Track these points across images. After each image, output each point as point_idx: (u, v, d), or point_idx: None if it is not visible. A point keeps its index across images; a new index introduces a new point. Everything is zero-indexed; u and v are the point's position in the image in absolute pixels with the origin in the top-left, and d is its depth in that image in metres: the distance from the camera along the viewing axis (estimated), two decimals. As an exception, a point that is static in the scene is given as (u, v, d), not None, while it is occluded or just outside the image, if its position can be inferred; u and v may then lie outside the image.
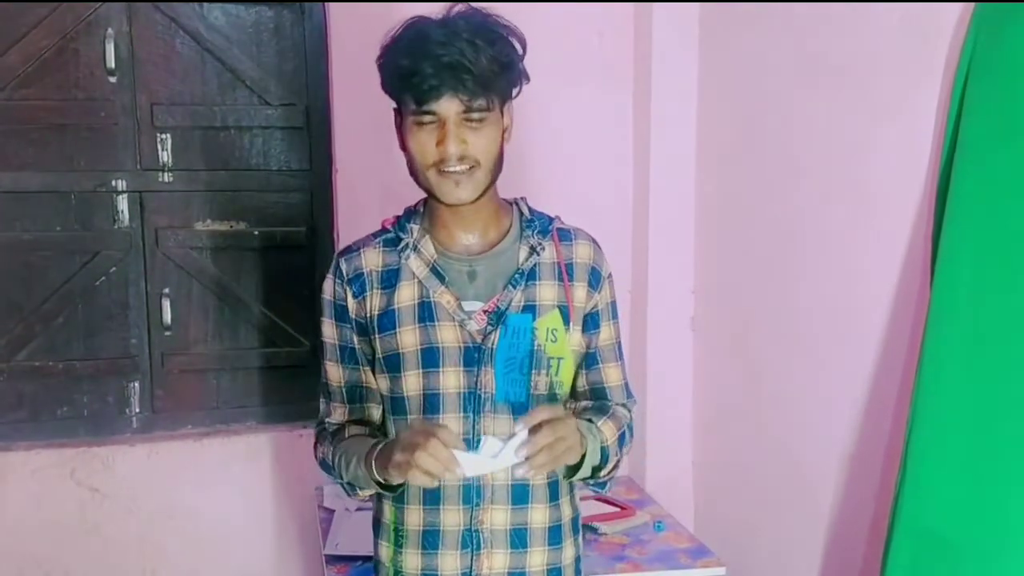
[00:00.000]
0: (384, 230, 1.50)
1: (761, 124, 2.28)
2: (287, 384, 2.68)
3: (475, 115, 1.33)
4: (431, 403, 1.43)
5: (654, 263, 2.61)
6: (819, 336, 2.07)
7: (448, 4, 1.38)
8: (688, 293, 2.64)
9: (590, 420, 1.42)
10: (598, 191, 2.67)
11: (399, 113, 1.40)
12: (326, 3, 2.52)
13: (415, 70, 1.31)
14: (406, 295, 1.43)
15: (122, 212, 2.52)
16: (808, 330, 2.11)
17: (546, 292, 1.45)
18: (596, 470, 1.42)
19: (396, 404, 1.46)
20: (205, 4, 2.50)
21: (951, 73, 1.63)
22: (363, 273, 1.46)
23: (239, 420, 2.66)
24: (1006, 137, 1.50)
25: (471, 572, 1.44)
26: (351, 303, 1.46)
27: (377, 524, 1.53)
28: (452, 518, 1.44)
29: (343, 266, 1.47)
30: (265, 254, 2.63)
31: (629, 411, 1.55)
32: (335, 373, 1.50)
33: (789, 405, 2.20)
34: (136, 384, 2.58)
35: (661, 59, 2.57)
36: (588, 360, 1.51)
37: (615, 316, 1.53)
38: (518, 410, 1.41)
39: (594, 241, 1.52)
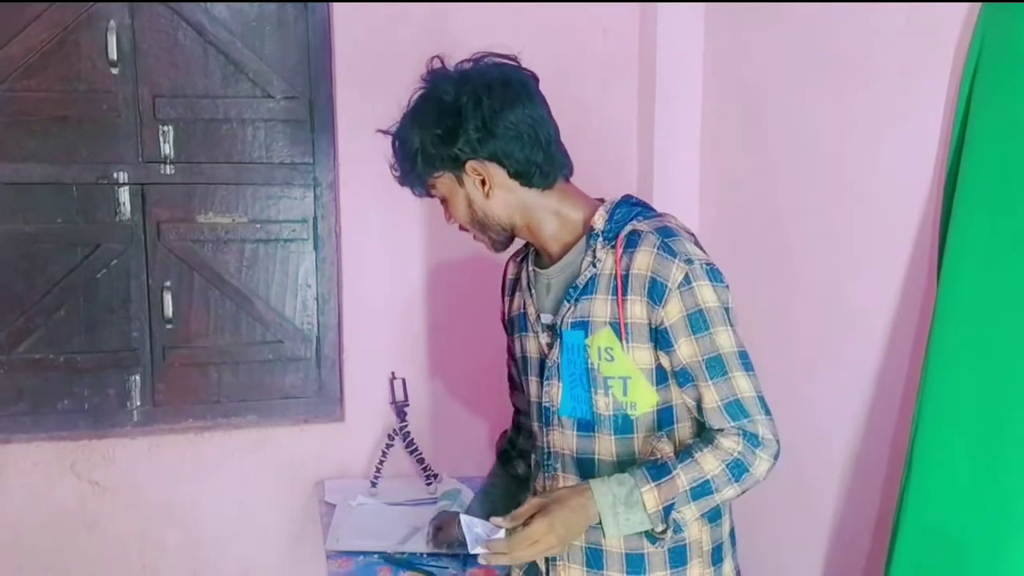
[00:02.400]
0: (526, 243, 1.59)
1: (766, 123, 2.27)
2: (288, 378, 2.68)
3: (433, 196, 1.49)
4: (532, 408, 1.53)
5: (657, 260, 2.60)
6: (823, 334, 2.06)
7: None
8: (691, 290, 2.63)
9: (634, 479, 1.32)
10: (600, 190, 2.65)
11: None
12: (331, 4, 2.51)
13: None
14: (516, 304, 1.56)
15: (124, 204, 2.51)
16: (812, 328, 2.11)
17: (599, 308, 1.38)
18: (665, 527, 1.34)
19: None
20: (209, -2, 2.49)
21: (958, 72, 1.62)
22: (506, 278, 1.65)
23: (240, 414, 2.65)
24: (1013, 136, 1.49)
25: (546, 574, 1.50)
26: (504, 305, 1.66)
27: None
28: None
29: (506, 271, 1.67)
30: (267, 247, 2.62)
31: (737, 437, 1.36)
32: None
33: (792, 403, 2.19)
34: (137, 377, 2.57)
35: (666, 56, 2.56)
36: (681, 379, 1.39)
37: (701, 329, 1.35)
38: (583, 427, 1.43)
39: (664, 246, 1.35)
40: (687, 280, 1.34)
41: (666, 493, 1.32)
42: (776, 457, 1.39)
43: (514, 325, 1.55)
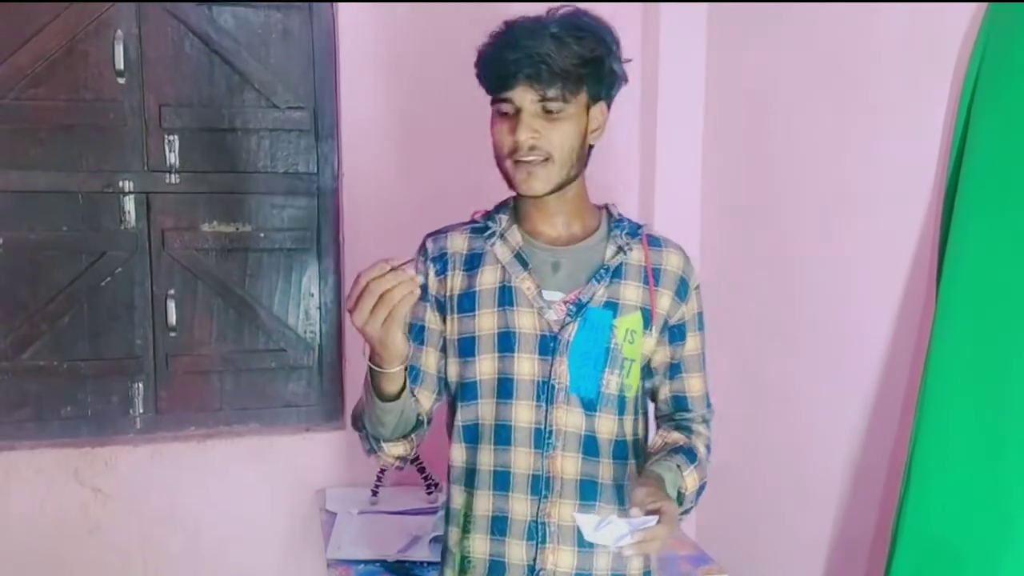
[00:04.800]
0: (473, 221, 1.52)
1: (768, 129, 2.29)
2: (291, 386, 2.69)
3: (551, 106, 1.35)
4: (504, 388, 1.44)
5: (659, 270, 2.61)
6: (824, 342, 2.07)
7: (550, 4, 1.41)
8: (692, 300, 2.64)
9: (678, 466, 1.41)
10: (603, 195, 2.67)
11: (492, 104, 1.43)
12: (335, 4, 2.53)
13: (496, 57, 1.35)
14: (488, 279, 1.45)
15: (129, 213, 2.52)
16: (813, 336, 2.11)
17: (630, 292, 1.45)
18: None
19: (467, 390, 1.46)
20: (215, 6, 2.51)
21: (959, 80, 1.63)
22: (447, 253, 1.49)
23: (242, 422, 2.66)
24: (1014, 145, 1.50)
25: (535, 564, 1.44)
26: (432, 280, 1.48)
27: (447, 511, 1.53)
28: (520, 507, 1.44)
29: (429, 245, 1.51)
30: (271, 256, 2.64)
31: (708, 424, 1.56)
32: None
33: (792, 411, 2.20)
34: (140, 385, 2.58)
35: (668, 63, 2.58)
36: (672, 370, 1.53)
37: (701, 327, 1.54)
38: (587, 406, 1.43)
39: (683, 251, 1.53)
40: (698, 286, 1.53)
41: (701, 473, 1.46)
42: None
43: (482, 301, 1.44)
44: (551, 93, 1.33)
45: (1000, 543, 1.51)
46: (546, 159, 1.37)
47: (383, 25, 2.52)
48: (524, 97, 1.34)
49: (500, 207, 1.53)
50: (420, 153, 2.58)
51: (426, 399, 1.49)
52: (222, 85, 2.55)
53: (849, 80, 1.97)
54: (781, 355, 2.24)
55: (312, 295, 2.68)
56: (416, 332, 1.49)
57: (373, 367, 1.28)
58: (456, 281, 1.47)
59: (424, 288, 1.45)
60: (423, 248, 1.52)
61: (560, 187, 1.41)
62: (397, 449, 1.44)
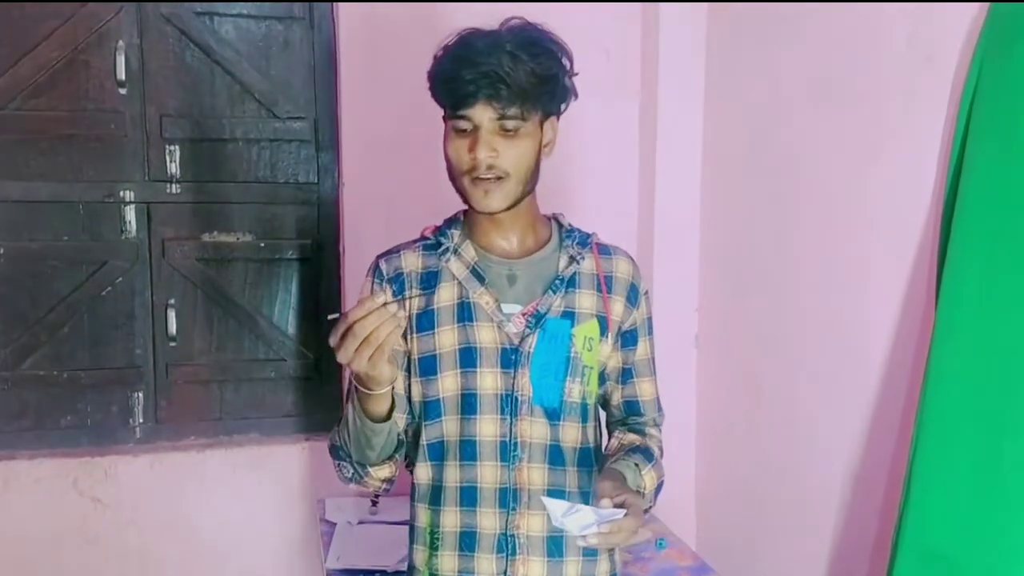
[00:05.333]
0: (423, 237, 1.52)
1: (767, 143, 2.29)
2: (291, 396, 2.69)
3: (509, 124, 1.35)
4: (468, 403, 1.43)
5: (658, 280, 2.62)
6: (823, 355, 2.07)
7: (505, 18, 1.40)
8: (692, 311, 2.65)
9: (636, 465, 1.44)
10: (602, 208, 2.68)
11: (446, 121, 1.43)
12: (335, 13, 2.53)
13: (454, 75, 1.34)
14: (446, 296, 1.45)
15: (129, 223, 2.53)
16: (812, 349, 2.11)
17: (585, 301, 1.47)
18: None
19: (431, 408, 1.45)
20: (216, 18, 2.52)
21: (958, 93, 1.64)
22: (403, 273, 1.48)
23: (242, 432, 2.66)
24: (1015, 153, 1.51)
25: None
26: None
27: (412, 530, 1.52)
28: (488, 521, 1.43)
29: (383, 267, 1.49)
30: (271, 266, 2.64)
31: (659, 428, 1.58)
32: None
33: (793, 424, 2.20)
34: (140, 394, 2.58)
35: (668, 77, 2.58)
36: (624, 375, 1.55)
37: (651, 332, 1.57)
38: (551, 416, 1.44)
39: (631, 258, 1.55)
40: (647, 291, 1.56)
41: (658, 472, 1.49)
42: None
43: (441, 318, 1.44)
44: (510, 112, 1.34)
45: (1000, 555, 1.51)
46: (501, 177, 1.37)
47: (383, 35, 2.53)
48: (483, 115, 1.34)
49: (450, 222, 1.53)
50: (420, 163, 2.57)
51: (400, 420, 1.48)
52: (223, 95, 2.56)
53: (848, 95, 1.97)
54: (781, 366, 2.24)
55: (312, 305, 2.68)
56: None
57: (362, 390, 1.28)
58: (414, 301, 1.46)
59: None
60: (376, 269, 1.50)
61: (516, 203, 1.42)
62: (383, 472, 1.45)
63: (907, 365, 1.79)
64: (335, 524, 2.41)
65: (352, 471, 1.46)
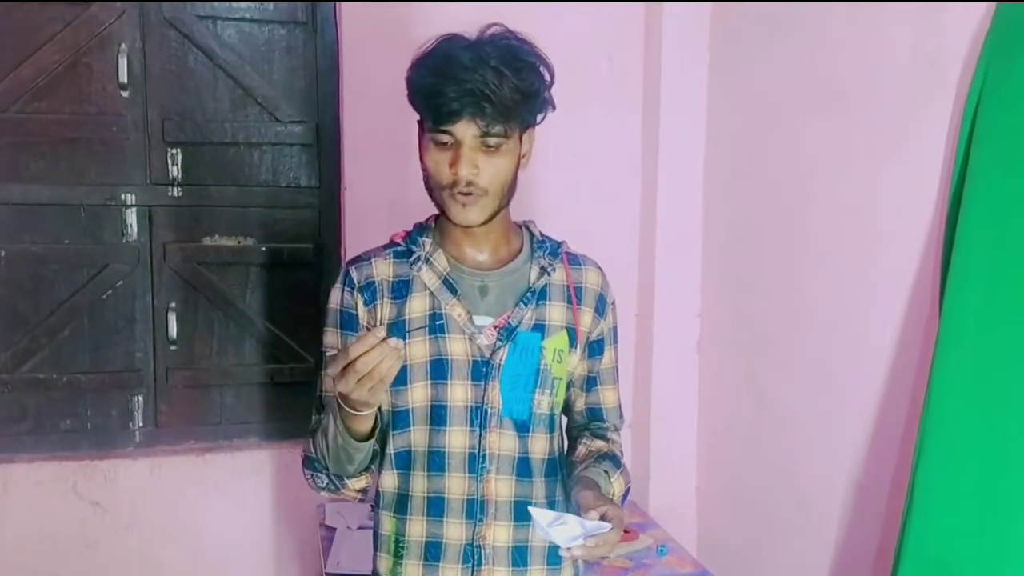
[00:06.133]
0: (393, 243, 1.50)
1: (770, 149, 2.29)
2: (291, 400, 2.68)
3: (491, 140, 1.33)
4: (437, 415, 1.42)
5: (660, 286, 2.62)
6: (826, 361, 2.07)
7: (484, 25, 1.38)
8: (694, 316, 2.64)
9: (606, 472, 1.45)
10: (605, 214, 2.68)
11: (421, 127, 1.41)
12: (338, 23, 2.54)
13: (438, 91, 1.31)
14: (417, 306, 1.43)
15: (131, 226, 2.53)
16: (815, 355, 2.11)
17: (555, 313, 1.47)
18: None
19: (399, 418, 1.44)
20: (219, 21, 2.52)
21: (962, 99, 1.63)
22: (374, 282, 1.46)
23: (242, 436, 2.66)
24: (1017, 164, 1.50)
25: None
26: (361, 311, 1.45)
27: (376, 537, 1.51)
28: (455, 531, 1.43)
29: (354, 274, 1.47)
30: (272, 270, 2.64)
31: (619, 432, 1.60)
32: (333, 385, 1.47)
33: (795, 430, 2.19)
34: (140, 398, 2.58)
35: (670, 84, 2.59)
36: (588, 383, 1.55)
37: (616, 341, 1.57)
38: (520, 428, 1.43)
39: (600, 268, 1.55)
40: (614, 301, 1.56)
41: (626, 479, 1.51)
42: None
43: (412, 329, 1.42)
44: (494, 129, 1.32)
45: (1004, 563, 1.50)
46: (480, 194, 1.36)
47: (386, 40, 2.52)
48: (466, 132, 1.32)
49: (421, 228, 1.51)
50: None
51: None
52: (225, 99, 2.56)
53: (851, 103, 1.97)
54: (783, 372, 2.24)
55: (313, 309, 2.67)
56: None
57: (348, 410, 1.27)
58: (385, 310, 1.44)
59: (351, 318, 1.45)
60: (347, 276, 1.48)
61: (492, 217, 1.41)
62: (360, 483, 1.44)
63: (910, 371, 1.79)
64: (335, 529, 2.40)
65: (327, 482, 1.44)
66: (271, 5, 2.56)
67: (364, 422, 1.31)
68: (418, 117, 1.40)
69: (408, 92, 1.39)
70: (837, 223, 2.02)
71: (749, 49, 2.39)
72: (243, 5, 2.53)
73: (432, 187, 1.39)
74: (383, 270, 1.47)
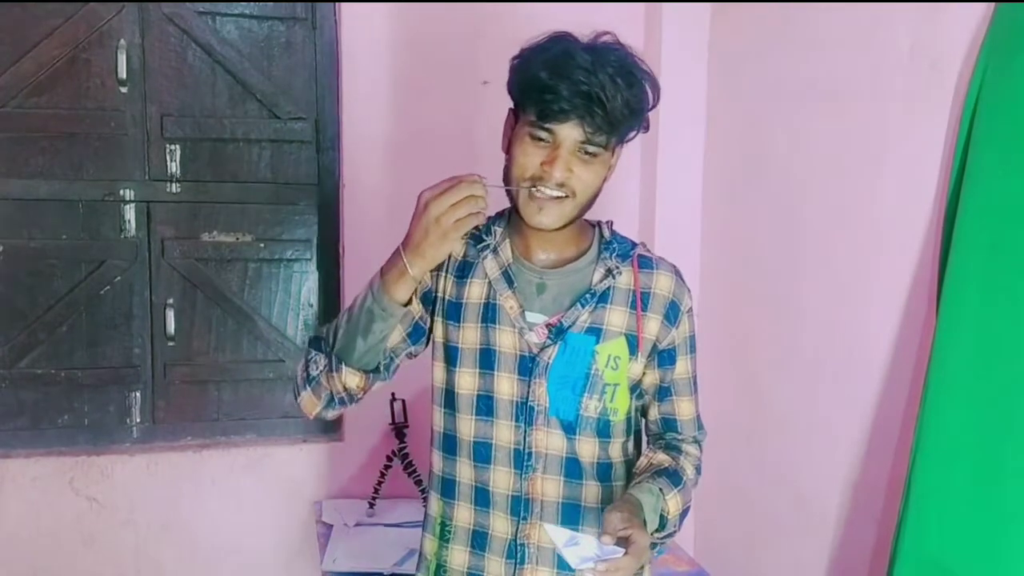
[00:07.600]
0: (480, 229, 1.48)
1: (768, 149, 2.29)
2: (288, 397, 2.68)
3: (591, 148, 1.31)
4: (484, 405, 1.42)
5: (658, 285, 2.61)
6: (823, 361, 2.07)
7: (596, 31, 1.37)
8: (692, 315, 2.64)
9: (661, 490, 1.37)
10: (603, 214, 2.67)
11: (515, 115, 1.38)
12: (338, 20, 2.54)
13: (552, 87, 1.28)
14: (475, 292, 1.43)
15: (129, 222, 2.52)
16: (812, 355, 2.11)
17: (615, 318, 1.42)
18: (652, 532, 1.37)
19: (448, 398, 1.45)
20: (218, 17, 2.52)
21: (960, 99, 1.63)
22: (448, 260, 1.45)
23: (239, 432, 2.66)
24: (1015, 164, 1.50)
25: None
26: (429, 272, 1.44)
27: (425, 518, 1.51)
28: (501, 525, 1.42)
29: None
30: (270, 267, 2.64)
31: (699, 445, 1.54)
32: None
33: (791, 430, 2.19)
34: (137, 394, 2.58)
35: (670, 84, 2.58)
36: (661, 392, 1.49)
37: (693, 350, 1.50)
38: (567, 428, 1.41)
39: (677, 273, 1.47)
40: (690, 308, 1.48)
41: (684, 497, 1.42)
42: None
43: (467, 314, 1.42)
44: (597, 138, 1.30)
45: (999, 564, 1.50)
46: (567, 196, 1.34)
47: (386, 37, 2.53)
48: (570, 134, 1.30)
49: (497, 217, 1.49)
50: (421, 165, 2.58)
51: (398, 334, 1.43)
52: (224, 95, 2.56)
53: (850, 103, 1.97)
54: (781, 373, 2.24)
55: (311, 306, 2.67)
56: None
57: (402, 259, 1.28)
58: (446, 284, 1.45)
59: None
60: None
61: (568, 224, 1.38)
62: (354, 378, 1.36)
63: (907, 372, 1.79)
64: (332, 526, 2.40)
65: (325, 363, 1.37)
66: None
67: (405, 286, 1.30)
68: (511, 105, 1.38)
69: (512, 80, 1.36)
70: (835, 223, 2.02)
71: (749, 48, 2.39)
72: (242, 1, 2.53)
73: (513, 179, 1.36)
74: (456, 246, 1.45)
